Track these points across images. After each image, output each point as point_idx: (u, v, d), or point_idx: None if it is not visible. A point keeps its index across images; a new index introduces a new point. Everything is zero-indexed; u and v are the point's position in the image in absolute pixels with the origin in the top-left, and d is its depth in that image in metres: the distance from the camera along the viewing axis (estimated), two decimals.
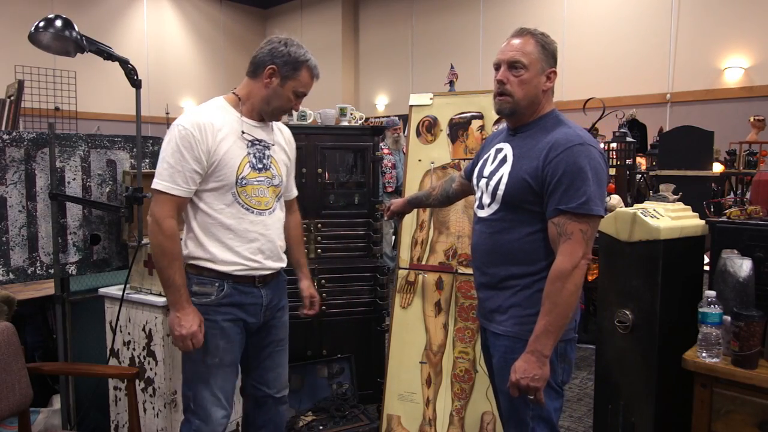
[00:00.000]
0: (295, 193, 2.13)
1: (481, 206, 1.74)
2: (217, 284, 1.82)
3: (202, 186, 1.78)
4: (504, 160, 1.69)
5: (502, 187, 1.65)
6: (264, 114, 1.88)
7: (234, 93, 1.88)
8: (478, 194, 1.76)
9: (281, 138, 1.99)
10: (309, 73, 1.85)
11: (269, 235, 1.89)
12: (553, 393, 1.66)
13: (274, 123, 1.96)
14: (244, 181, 1.81)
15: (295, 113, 3.05)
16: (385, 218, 2.38)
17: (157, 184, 1.74)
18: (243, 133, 1.82)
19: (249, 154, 1.83)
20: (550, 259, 1.59)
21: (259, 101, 1.85)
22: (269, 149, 1.90)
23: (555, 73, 1.69)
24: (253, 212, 1.84)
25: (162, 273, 1.75)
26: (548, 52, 1.66)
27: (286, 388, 2.08)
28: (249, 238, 1.84)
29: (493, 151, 1.77)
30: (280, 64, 1.80)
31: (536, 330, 1.54)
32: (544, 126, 1.66)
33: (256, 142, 1.86)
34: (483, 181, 1.74)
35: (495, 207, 1.67)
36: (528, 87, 1.63)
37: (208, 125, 1.75)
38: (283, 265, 1.99)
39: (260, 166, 1.85)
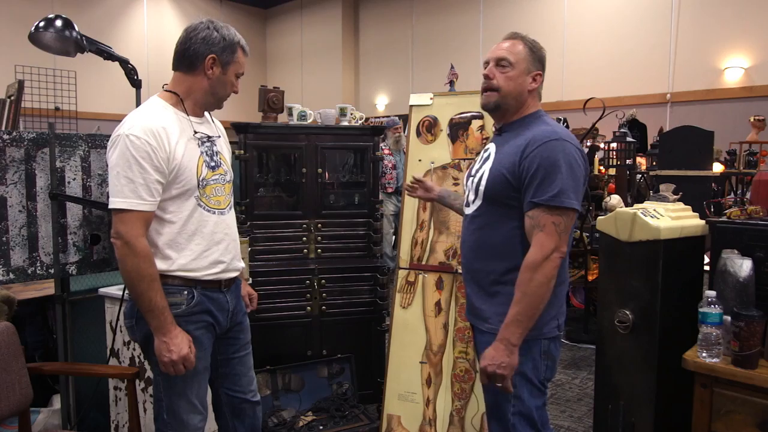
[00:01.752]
0: None
1: (467, 204, 1.79)
2: (185, 292, 1.72)
3: (164, 195, 1.66)
4: (488, 157, 1.75)
5: (483, 183, 1.70)
6: (208, 106, 1.80)
7: (169, 91, 1.76)
8: (466, 193, 1.82)
9: (219, 130, 1.90)
10: (243, 52, 1.78)
11: (232, 234, 1.84)
12: (536, 390, 1.68)
13: (210, 115, 1.89)
14: (204, 183, 1.74)
15: (295, 113, 3.05)
16: (412, 193, 2.21)
17: (119, 203, 1.59)
18: (195, 133, 1.74)
19: (202, 153, 1.75)
20: None
21: (203, 94, 1.75)
22: (216, 144, 1.82)
23: (540, 75, 1.74)
24: (214, 213, 1.77)
25: (141, 298, 1.62)
26: (535, 55, 1.72)
27: (258, 391, 2.02)
28: (215, 240, 1.77)
29: (482, 152, 1.83)
30: (219, 51, 1.71)
31: (506, 318, 1.59)
32: (527, 124, 1.71)
33: (207, 140, 1.79)
34: (470, 180, 1.80)
35: (478, 203, 1.73)
36: (513, 84, 1.69)
37: (161, 130, 1.64)
38: (243, 264, 1.93)
39: (213, 164, 1.78)
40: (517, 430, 1.66)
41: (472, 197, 1.76)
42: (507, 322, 1.58)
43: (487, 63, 1.75)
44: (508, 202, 1.65)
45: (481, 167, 1.76)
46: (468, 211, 1.79)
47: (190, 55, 1.71)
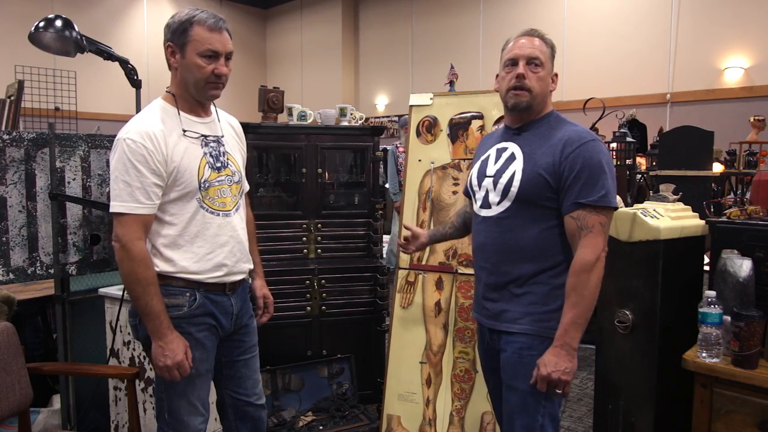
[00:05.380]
0: (247, 187, 1.99)
1: (486, 205, 1.72)
2: (188, 294, 1.70)
3: (164, 198, 1.65)
4: (512, 157, 1.69)
5: (516, 183, 1.64)
6: (195, 96, 1.73)
7: (168, 91, 1.75)
8: (481, 194, 1.74)
9: (231, 130, 1.88)
10: (202, 26, 1.64)
11: (238, 236, 1.80)
12: None
13: (221, 116, 1.85)
14: (207, 184, 1.70)
15: (295, 113, 3.05)
16: (407, 251, 2.19)
17: (117, 206, 1.60)
18: (184, 132, 1.69)
19: (205, 154, 1.72)
20: (566, 255, 1.62)
21: (183, 88, 1.71)
22: (223, 145, 1.78)
23: (557, 76, 1.76)
24: (218, 215, 1.74)
25: (138, 301, 1.61)
26: (553, 54, 1.74)
27: (263, 394, 1.99)
28: (219, 242, 1.74)
29: (494, 151, 1.76)
30: (171, 37, 1.66)
31: (564, 323, 1.56)
32: (548, 123, 1.70)
33: (210, 140, 1.75)
34: (488, 180, 1.72)
35: (506, 204, 1.67)
36: (543, 84, 1.69)
37: (158, 132, 1.63)
38: (251, 266, 1.90)
39: (218, 165, 1.74)
40: (546, 431, 1.65)
41: (496, 198, 1.69)
42: (566, 326, 1.56)
43: (513, 60, 1.68)
44: (543, 203, 1.63)
45: (506, 167, 1.68)
46: (488, 212, 1.71)
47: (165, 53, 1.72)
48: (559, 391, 1.57)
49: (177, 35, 1.66)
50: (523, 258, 1.66)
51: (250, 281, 2.00)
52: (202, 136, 1.75)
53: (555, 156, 1.60)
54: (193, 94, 1.73)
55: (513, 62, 1.68)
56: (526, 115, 1.71)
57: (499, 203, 1.68)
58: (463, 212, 2.07)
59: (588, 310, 1.57)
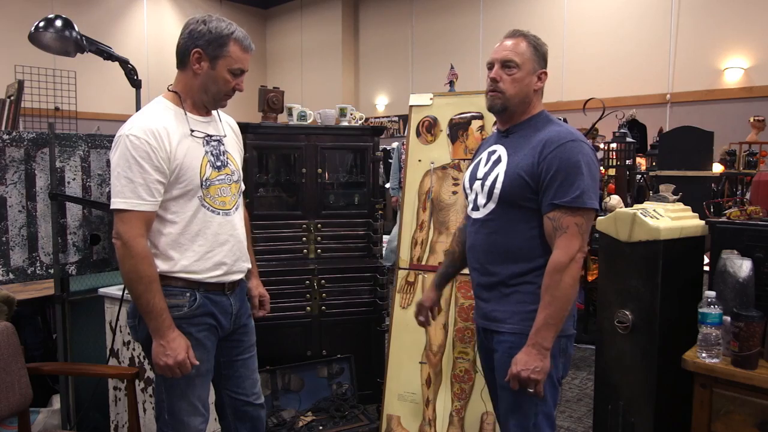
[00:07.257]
0: (242, 186, 1.96)
1: (476, 208, 1.75)
2: (188, 294, 1.70)
3: (166, 195, 1.65)
4: (498, 160, 1.71)
5: (498, 185, 1.67)
6: (206, 103, 1.75)
7: (171, 90, 1.75)
8: (472, 197, 1.77)
9: (230, 129, 1.88)
10: (239, 46, 1.69)
11: (237, 235, 1.81)
12: (554, 389, 1.68)
13: (221, 114, 1.86)
14: (208, 183, 1.71)
15: (295, 113, 3.05)
16: (420, 318, 2.03)
17: (119, 203, 1.58)
18: (192, 132, 1.70)
19: (207, 153, 1.73)
20: (549, 255, 1.62)
21: (197, 91, 1.72)
22: (223, 144, 1.79)
23: (545, 74, 1.73)
24: (219, 214, 1.74)
25: (139, 300, 1.60)
26: (539, 53, 1.71)
27: (262, 394, 1.98)
28: (220, 241, 1.74)
29: (485, 155, 1.79)
30: (204, 44, 1.66)
31: (536, 323, 1.57)
32: (535, 125, 1.70)
33: (212, 139, 1.76)
34: (477, 183, 1.75)
35: (491, 206, 1.69)
36: (520, 85, 1.68)
37: (161, 130, 1.63)
38: (250, 265, 1.90)
39: (219, 163, 1.75)
40: (540, 430, 1.65)
41: (482, 200, 1.72)
42: (538, 326, 1.56)
43: (491, 64, 1.71)
44: (525, 204, 1.64)
45: (492, 170, 1.71)
46: (477, 215, 1.74)
47: (180, 51, 1.71)
48: (531, 390, 1.58)
49: (212, 46, 1.67)
50: (509, 259, 1.67)
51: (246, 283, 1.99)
52: (207, 135, 1.76)
53: (534, 157, 1.61)
54: (205, 101, 1.75)
55: (490, 66, 1.72)
56: (509, 117, 1.73)
57: (485, 205, 1.71)
58: (463, 229, 1.98)
59: (561, 310, 1.57)
